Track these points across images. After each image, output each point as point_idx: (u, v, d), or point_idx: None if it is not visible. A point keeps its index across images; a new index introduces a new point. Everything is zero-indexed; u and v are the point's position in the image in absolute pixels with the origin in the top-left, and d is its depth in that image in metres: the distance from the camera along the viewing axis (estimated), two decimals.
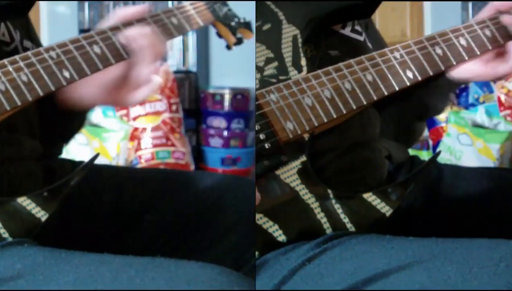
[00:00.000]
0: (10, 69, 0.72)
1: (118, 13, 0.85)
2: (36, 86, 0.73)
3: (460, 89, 2.50)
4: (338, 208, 0.73)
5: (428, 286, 0.59)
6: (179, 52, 3.07)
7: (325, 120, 0.74)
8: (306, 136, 0.74)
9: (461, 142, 2.09)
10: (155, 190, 0.95)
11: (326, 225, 0.73)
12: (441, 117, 2.29)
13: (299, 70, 0.78)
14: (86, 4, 3.41)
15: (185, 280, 0.60)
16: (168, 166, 2.60)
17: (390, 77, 0.80)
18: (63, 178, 0.73)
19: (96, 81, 0.82)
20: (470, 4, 2.99)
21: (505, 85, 2.22)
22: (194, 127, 2.93)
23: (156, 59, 0.82)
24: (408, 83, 0.80)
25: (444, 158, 2.13)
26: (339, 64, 0.77)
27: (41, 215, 0.71)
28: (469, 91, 2.43)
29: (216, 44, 2.88)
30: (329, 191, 0.73)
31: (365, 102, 0.77)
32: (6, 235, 0.69)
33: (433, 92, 0.92)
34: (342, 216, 0.73)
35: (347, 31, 0.88)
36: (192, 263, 0.64)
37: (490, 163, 2.04)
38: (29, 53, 0.75)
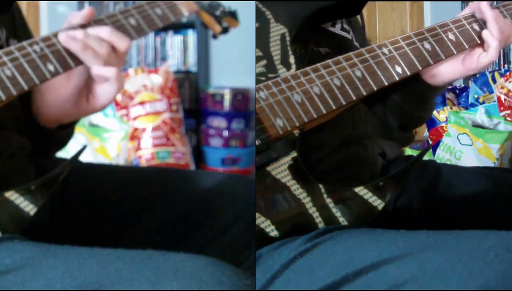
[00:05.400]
0: None
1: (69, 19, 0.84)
2: (21, 80, 0.73)
3: (460, 89, 2.49)
4: (330, 202, 0.74)
5: (418, 277, 0.60)
6: (179, 52, 3.07)
7: (315, 116, 0.75)
8: (296, 132, 0.75)
9: (461, 142, 2.09)
10: (154, 188, 0.95)
11: (319, 219, 0.73)
12: (441, 117, 2.29)
13: (288, 68, 0.78)
14: (86, 4, 3.41)
15: (172, 271, 0.60)
16: (168, 166, 2.59)
17: (379, 73, 0.80)
18: (51, 172, 0.73)
19: (62, 95, 0.82)
20: (470, 4, 2.99)
21: (505, 85, 2.22)
22: (194, 127, 2.93)
23: (104, 57, 0.79)
24: (397, 78, 0.81)
25: (444, 157, 2.13)
26: (328, 61, 0.78)
27: (30, 208, 0.71)
28: (469, 91, 2.43)
29: (216, 44, 2.88)
30: (321, 186, 0.74)
31: (354, 98, 0.77)
32: None
33: (412, 99, 0.93)
34: (334, 210, 0.74)
35: (337, 29, 0.89)
36: (180, 254, 0.64)
37: (490, 163, 2.04)
38: (12, 48, 0.75)
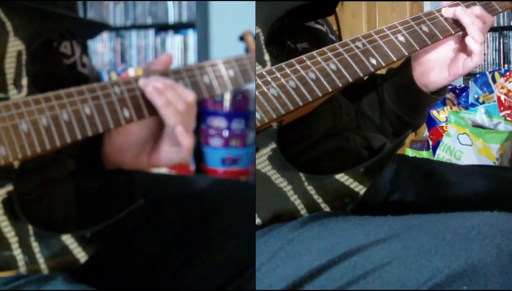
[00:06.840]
0: (76, 99, 0.72)
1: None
2: (98, 121, 0.73)
3: (460, 89, 2.50)
4: (311, 189, 0.75)
5: (402, 256, 0.61)
6: (179, 52, 3.07)
7: (292, 108, 0.76)
8: (274, 124, 0.76)
9: (461, 143, 2.09)
10: (158, 195, 0.95)
11: (301, 206, 0.74)
12: (441, 117, 2.29)
13: (263, 65, 0.79)
14: (87, 4, 3.41)
15: None
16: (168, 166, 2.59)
17: (354, 65, 0.81)
18: (104, 221, 0.73)
19: (130, 142, 0.81)
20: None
21: (505, 85, 2.22)
22: (194, 128, 2.94)
23: (182, 114, 0.79)
24: (372, 70, 0.82)
25: (444, 157, 2.13)
26: (302, 56, 0.79)
27: (81, 256, 0.71)
28: (469, 91, 2.43)
29: (216, 44, 2.88)
30: (301, 174, 0.75)
31: (330, 89, 0.78)
32: (46, 271, 0.69)
33: (408, 108, 0.96)
34: (315, 196, 0.74)
35: (311, 23, 0.92)
36: None
37: (490, 163, 2.04)
38: (95, 85, 0.74)
